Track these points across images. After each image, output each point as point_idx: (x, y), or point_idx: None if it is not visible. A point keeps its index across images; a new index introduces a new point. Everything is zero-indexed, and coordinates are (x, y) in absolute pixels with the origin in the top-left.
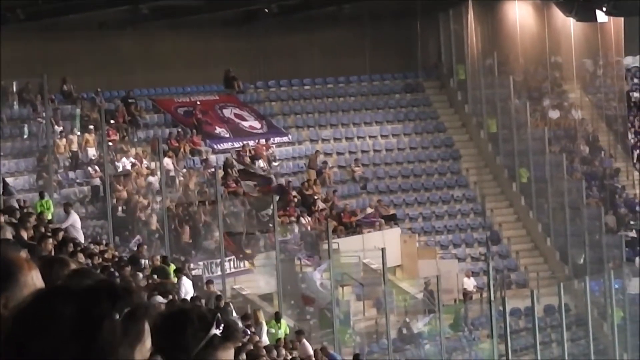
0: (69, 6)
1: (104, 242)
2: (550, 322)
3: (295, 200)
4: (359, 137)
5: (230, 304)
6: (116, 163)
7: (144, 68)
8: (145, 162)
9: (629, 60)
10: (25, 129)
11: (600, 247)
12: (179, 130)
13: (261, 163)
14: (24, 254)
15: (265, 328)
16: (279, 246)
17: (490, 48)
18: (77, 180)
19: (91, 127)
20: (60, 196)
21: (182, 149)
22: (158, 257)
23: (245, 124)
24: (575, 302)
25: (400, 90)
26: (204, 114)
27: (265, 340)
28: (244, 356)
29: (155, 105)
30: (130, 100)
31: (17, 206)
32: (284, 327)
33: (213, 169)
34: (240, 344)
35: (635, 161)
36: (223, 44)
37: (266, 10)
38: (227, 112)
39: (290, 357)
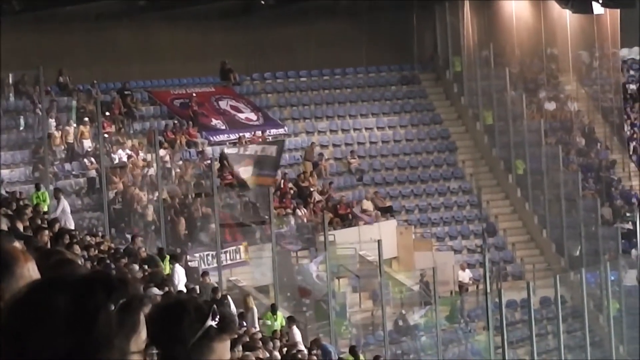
0: None
1: (100, 234)
2: (546, 314)
3: (292, 192)
4: (355, 129)
5: (228, 297)
6: (112, 155)
7: (140, 60)
8: (141, 154)
9: (625, 52)
10: (22, 121)
11: (596, 239)
12: (175, 122)
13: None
14: (20, 245)
15: (256, 314)
16: (275, 238)
17: (486, 40)
18: (73, 172)
19: (86, 119)
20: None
21: (178, 141)
22: (144, 249)
23: (242, 115)
24: (571, 294)
25: (396, 82)
26: (200, 106)
27: (256, 326)
28: (240, 348)
29: (151, 97)
30: (126, 92)
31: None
32: (280, 319)
33: (209, 161)
34: (236, 336)
35: (631, 153)
36: (219, 36)
37: (263, 2)
38: (223, 104)
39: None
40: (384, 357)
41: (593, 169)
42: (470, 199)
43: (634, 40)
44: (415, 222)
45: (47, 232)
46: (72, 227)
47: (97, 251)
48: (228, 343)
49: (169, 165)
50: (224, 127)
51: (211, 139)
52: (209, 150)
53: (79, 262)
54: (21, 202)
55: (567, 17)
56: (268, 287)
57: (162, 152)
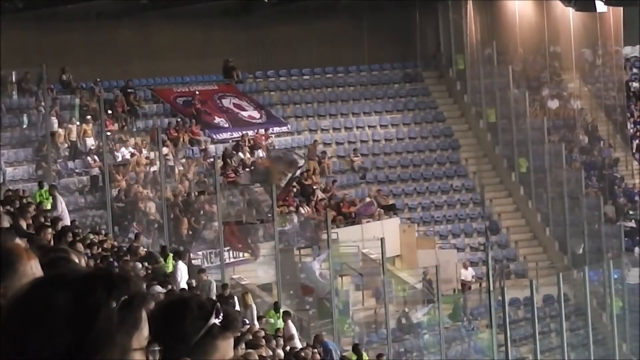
0: None
1: (103, 232)
2: (549, 312)
3: (295, 190)
4: (358, 127)
5: (235, 296)
6: (115, 153)
7: (142, 58)
8: (144, 152)
9: (628, 50)
10: (25, 119)
11: (599, 237)
12: (178, 120)
13: (260, 153)
14: (23, 243)
15: (255, 310)
16: (278, 236)
17: (489, 38)
18: (76, 170)
19: (89, 117)
20: (60, 186)
21: (181, 139)
22: (142, 248)
23: (244, 113)
24: (574, 292)
25: (399, 80)
26: (203, 104)
27: (256, 323)
28: (244, 346)
29: (154, 95)
30: (129, 90)
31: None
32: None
33: (212, 159)
34: (239, 334)
35: (634, 151)
36: (222, 34)
37: (265, 0)
38: (226, 102)
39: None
40: (386, 355)
41: (596, 167)
42: (473, 197)
43: (637, 38)
44: (418, 220)
45: (50, 230)
46: (68, 224)
47: (100, 249)
48: (231, 341)
49: (171, 163)
50: (227, 125)
51: (214, 136)
52: (212, 148)
53: (76, 260)
54: (24, 200)
55: (570, 15)
56: (271, 285)
57: (165, 150)
